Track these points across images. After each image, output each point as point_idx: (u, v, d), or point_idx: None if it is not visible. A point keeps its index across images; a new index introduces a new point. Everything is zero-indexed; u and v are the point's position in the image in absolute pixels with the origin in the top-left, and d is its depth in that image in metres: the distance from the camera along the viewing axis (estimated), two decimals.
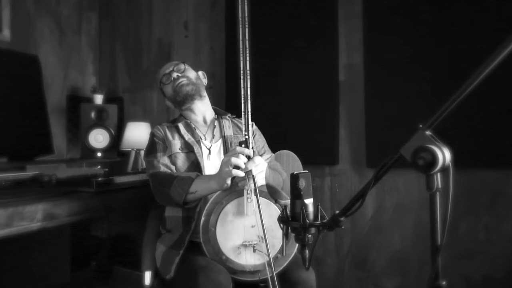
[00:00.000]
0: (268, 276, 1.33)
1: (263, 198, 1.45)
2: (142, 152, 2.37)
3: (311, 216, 0.93)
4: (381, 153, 1.79)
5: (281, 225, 0.98)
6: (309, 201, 0.93)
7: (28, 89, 2.42)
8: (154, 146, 1.70)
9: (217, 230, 1.42)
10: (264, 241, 1.33)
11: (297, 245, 1.46)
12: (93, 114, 2.70)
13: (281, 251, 1.45)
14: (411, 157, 0.77)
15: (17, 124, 2.27)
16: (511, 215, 1.76)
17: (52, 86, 2.84)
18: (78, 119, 2.77)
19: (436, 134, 0.78)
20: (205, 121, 1.80)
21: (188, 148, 1.67)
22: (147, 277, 1.68)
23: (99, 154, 2.68)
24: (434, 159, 0.74)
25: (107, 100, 2.92)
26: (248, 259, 1.43)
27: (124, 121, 2.94)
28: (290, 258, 1.47)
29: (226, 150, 1.70)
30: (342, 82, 2.16)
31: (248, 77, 1.43)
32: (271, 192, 1.51)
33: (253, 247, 1.43)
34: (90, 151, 2.67)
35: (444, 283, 0.77)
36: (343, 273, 2.16)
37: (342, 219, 0.88)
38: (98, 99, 2.84)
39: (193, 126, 1.75)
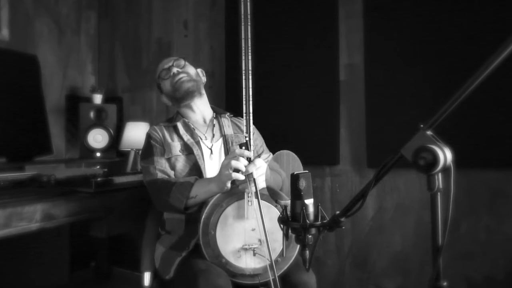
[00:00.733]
0: (270, 279, 1.32)
1: (264, 201, 1.42)
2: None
3: (311, 217, 0.92)
4: (381, 153, 1.78)
5: (281, 225, 0.97)
6: (309, 202, 0.93)
7: (26, 89, 2.41)
8: (151, 149, 1.64)
9: (217, 233, 1.40)
10: (265, 245, 1.32)
11: (297, 248, 1.44)
12: (92, 114, 2.69)
13: (281, 254, 1.43)
14: (412, 157, 0.76)
15: (16, 124, 2.27)
16: None
17: (51, 86, 2.83)
18: (77, 119, 2.76)
19: (437, 134, 0.77)
20: (204, 120, 1.75)
21: (188, 150, 1.63)
22: (147, 278, 1.66)
23: (98, 154, 2.68)
24: (435, 159, 0.74)
25: (106, 100, 2.92)
26: (248, 263, 1.41)
27: (124, 121, 2.93)
28: (291, 261, 1.45)
29: (226, 149, 1.68)
30: (342, 81, 2.15)
31: (250, 77, 1.39)
32: (271, 193, 1.50)
33: (253, 250, 1.41)
34: (89, 151, 2.66)
35: (445, 283, 0.77)
36: (344, 274, 2.15)
37: (342, 219, 0.88)
38: (97, 99, 2.83)
39: (192, 126, 1.70)
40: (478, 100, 1.48)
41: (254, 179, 1.37)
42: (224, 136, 1.70)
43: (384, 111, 1.99)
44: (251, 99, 1.40)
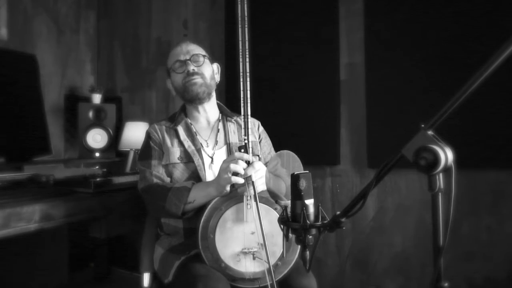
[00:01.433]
0: (268, 284, 1.30)
1: (263, 204, 1.41)
2: None
3: (311, 217, 0.92)
4: (382, 153, 1.78)
5: (282, 226, 0.97)
6: (309, 202, 0.93)
7: (25, 89, 2.40)
8: (149, 151, 1.59)
9: (216, 236, 1.38)
10: (264, 248, 1.30)
11: (297, 252, 1.42)
12: (91, 114, 2.69)
13: (281, 257, 1.41)
14: (413, 157, 0.76)
15: (14, 124, 2.26)
16: None
17: (49, 86, 2.82)
18: (76, 118, 2.76)
19: (438, 134, 0.77)
20: (208, 122, 1.67)
21: (187, 158, 1.56)
22: (146, 279, 1.65)
23: (97, 154, 2.67)
24: (436, 159, 0.73)
25: (105, 100, 2.91)
26: (248, 267, 1.39)
27: (123, 120, 2.92)
28: (291, 265, 1.43)
29: None
30: (343, 81, 2.14)
31: (248, 79, 1.36)
32: (271, 194, 1.49)
33: (253, 254, 1.39)
34: (88, 151, 2.66)
35: (446, 284, 0.76)
36: (344, 275, 2.14)
37: (343, 220, 0.88)
38: (96, 98, 2.83)
39: (194, 130, 1.63)
40: (479, 100, 1.47)
41: (253, 182, 1.35)
42: (228, 145, 1.63)
43: (385, 111, 1.98)
44: (249, 102, 1.38)
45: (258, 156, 1.67)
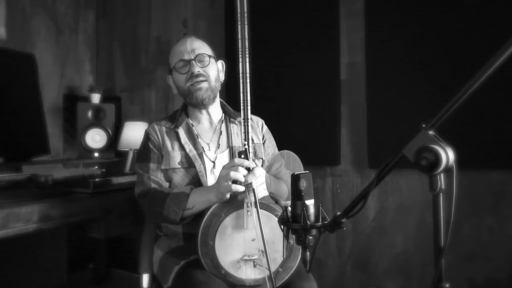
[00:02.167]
0: None
1: (264, 211, 1.38)
2: None
3: (312, 218, 0.92)
4: (383, 153, 1.77)
5: (282, 226, 0.96)
6: (310, 202, 0.92)
7: (24, 88, 2.39)
8: (148, 154, 1.53)
9: (216, 243, 1.36)
10: (265, 255, 1.28)
11: (298, 258, 1.40)
12: (90, 114, 2.68)
13: (282, 264, 1.39)
14: (414, 158, 0.76)
15: (13, 124, 2.25)
16: None
17: (48, 85, 2.81)
18: (75, 118, 2.75)
19: (439, 134, 0.76)
20: (210, 124, 1.61)
21: (188, 163, 1.50)
22: (145, 279, 1.64)
23: (96, 154, 2.66)
24: (437, 159, 0.73)
25: (104, 99, 2.90)
26: (248, 274, 1.37)
27: (122, 120, 2.91)
28: (292, 271, 1.40)
29: None
30: (343, 81, 2.13)
31: (248, 81, 1.30)
32: (271, 196, 1.47)
33: (254, 261, 1.37)
34: (87, 151, 2.65)
35: (447, 285, 0.76)
36: (345, 275, 2.14)
37: (343, 220, 0.87)
38: (95, 98, 2.82)
39: (196, 132, 1.56)
40: (481, 99, 1.47)
41: (253, 189, 1.31)
42: (231, 148, 1.57)
43: (386, 111, 1.97)
44: (249, 104, 1.33)
45: (262, 159, 1.62)
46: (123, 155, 2.73)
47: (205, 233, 1.36)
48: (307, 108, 2.17)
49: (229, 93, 2.43)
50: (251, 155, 1.35)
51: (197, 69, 1.49)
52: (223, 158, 1.56)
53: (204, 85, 1.50)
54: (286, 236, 0.97)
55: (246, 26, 1.31)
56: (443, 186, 0.76)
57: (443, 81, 1.79)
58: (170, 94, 2.78)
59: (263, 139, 1.68)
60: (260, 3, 2.21)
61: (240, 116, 1.41)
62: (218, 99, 1.62)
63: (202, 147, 1.54)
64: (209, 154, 1.55)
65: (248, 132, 1.34)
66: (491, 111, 1.72)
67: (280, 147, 1.87)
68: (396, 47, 1.95)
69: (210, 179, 1.51)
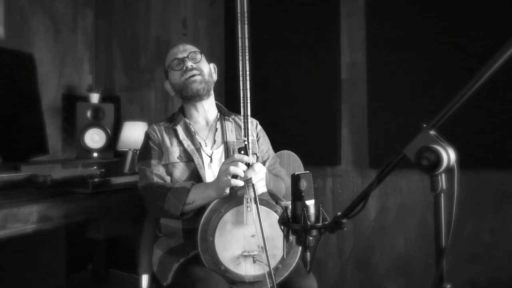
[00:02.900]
0: (269, 286, 1.30)
1: (264, 207, 1.39)
2: None
3: (312, 218, 0.92)
4: (384, 153, 1.75)
5: (282, 227, 0.96)
6: (310, 203, 0.92)
7: (22, 88, 2.39)
8: (149, 151, 1.58)
9: (215, 239, 1.37)
10: (264, 251, 1.29)
11: (298, 254, 1.41)
12: (89, 114, 2.67)
13: (282, 260, 1.40)
14: (415, 158, 0.76)
15: (11, 124, 2.24)
16: None
17: (47, 85, 2.80)
18: (73, 118, 2.75)
19: (441, 134, 0.76)
20: (206, 122, 1.67)
21: (187, 157, 1.56)
22: (144, 280, 1.64)
23: (95, 155, 2.66)
24: (438, 159, 0.73)
25: (103, 99, 2.90)
26: (248, 270, 1.38)
27: (121, 120, 2.90)
28: (291, 268, 1.42)
29: (227, 157, 1.61)
30: (344, 80, 2.13)
31: (248, 78, 1.33)
32: (272, 195, 1.47)
33: (253, 257, 1.37)
34: (86, 151, 2.64)
35: (449, 286, 0.76)
36: (346, 276, 2.13)
37: (344, 221, 0.88)
38: (94, 98, 2.81)
39: (193, 130, 1.63)
40: (482, 99, 1.46)
41: (253, 185, 1.33)
42: (225, 143, 1.63)
43: (387, 110, 1.97)
44: (249, 101, 1.35)
45: (256, 154, 1.64)
46: (122, 155, 2.72)
47: (204, 229, 1.37)
48: (308, 108, 2.16)
49: (229, 94, 2.43)
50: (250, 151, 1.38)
51: (190, 63, 1.58)
52: (219, 153, 1.61)
53: (198, 77, 1.58)
54: (286, 237, 0.97)
55: (246, 25, 1.33)
56: (444, 186, 0.76)
57: (445, 80, 1.79)
58: (169, 94, 2.78)
59: (257, 136, 1.72)
60: (260, 2, 2.20)
61: (234, 114, 1.52)
62: (213, 98, 1.69)
63: (199, 142, 1.60)
64: (206, 149, 1.60)
65: (247, 129, 1.37)
66: (493, 111, 1.72)
67: (281, 147, 1.86)
68: (397, 46, 1.94)
69: (208, 173, 1.56)
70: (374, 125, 2.01)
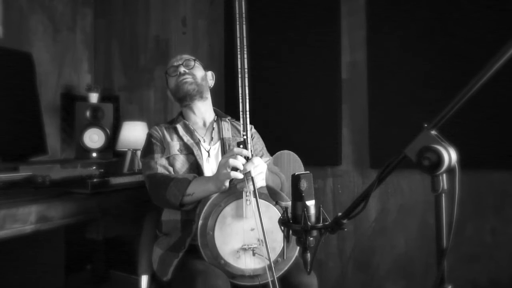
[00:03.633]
0: (269, 280, 1.31)
1: (263, 200, 1.42)
2: (139, 153, 2.31)
3: (312, 218, 0.92)
4: (385, 154, 1.75)
5: (282, 227, 0.96)
6: (310, 203, 0.92)
7: (21, 87, 2.37)
8: (151, 147, 1.66)
9: (215, 233, 1.39)
10: (264, 245, 1.30)
11: (298, 248, 1.42)
12: (88, 113, 2.66)
13: (281, 254, 1.42)
14: (416, 158, 0.76)
15: (10, 123, 2.23)
16: None
17: (46, 84, 2.79)
18: (72, 118, 2.73)
19: (442, 133, 0.76)
20: (204, 123, 1.75)
21: (187, 150, 1.64)
22: (144, 281, 1.64)
23: (94, 155, 2.64)
24: (439, 159, 0.73)
25: (102, 99, 2.89)
26: (248, 263, 1.40)
27: (120, 120, 2.89)
28: (291, 261, 1.44)
29: (223, 152, 1.67)
30: (344, 80, 2.12)
31: (246, 75, 1.39)
32: (271, 194, 1.48)
33: (253, 250, 1.39)
34: (85, 151, 2.63)
35: (450, 287, 0.76)
36: (346, 277, 2.12)
37: (344, 221, 0.87)
38: (93, 97, 2.80)
39: (192, 128, 1.71)
40: (484, 99, 1.46)
41: (252, 178, 1.36)
42: (222, 139, 1.70)
43: (387, 110, 1.96)
44: (247, 97, 1.39)
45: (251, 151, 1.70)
46: (121, 155, 2.72)
47: (204, 224, 1.40)
48: (308, 108, 2.16)
49: (228, 92, 2.42)
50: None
51: (183, 69, 1.70)
52: (216, 149, 1.69)
53: (190, 80, 1.68)
54: (286, 237, 0.97)
55: (244, 25, 1.38)
56: (445, 187, 0.76)
57: (446, 80, 1.78)
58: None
59: (252, 137, 1.76)
60: (260, 2, 2.19)
61: (230, 117, 1.69)
62: (209, 101, 1.78)
63: (198, 138, 1.69)
64: (204, 145, 1.69)
65: (246, 124, 1.40)
66: (494, 110, 1.71)
67: (281, 147, 1.86)
68: (398, 45, 1.93)
69: (206, 167, 1.63)
70: (375, 125, 2.00)
